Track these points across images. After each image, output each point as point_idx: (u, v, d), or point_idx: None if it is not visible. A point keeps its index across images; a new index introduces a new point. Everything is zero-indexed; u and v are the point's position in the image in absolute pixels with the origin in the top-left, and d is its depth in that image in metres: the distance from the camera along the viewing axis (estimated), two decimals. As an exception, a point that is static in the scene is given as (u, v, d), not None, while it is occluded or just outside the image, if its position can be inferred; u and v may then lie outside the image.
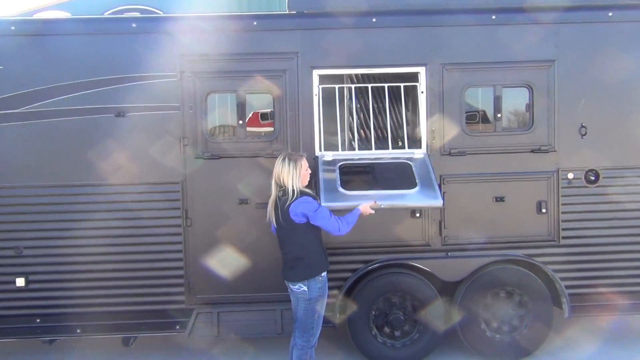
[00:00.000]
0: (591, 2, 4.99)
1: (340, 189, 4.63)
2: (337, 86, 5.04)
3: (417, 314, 5.00)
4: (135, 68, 4.83)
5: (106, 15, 5.30)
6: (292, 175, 4.18)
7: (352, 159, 4.92)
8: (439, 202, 4.61)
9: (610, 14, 4.97)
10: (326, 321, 4.57)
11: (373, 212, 4.39)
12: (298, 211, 4.13)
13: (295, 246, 4.20)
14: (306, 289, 4.18)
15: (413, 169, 4.77)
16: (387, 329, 5.04)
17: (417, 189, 4.65)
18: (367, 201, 4.40)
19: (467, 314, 5.00)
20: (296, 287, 4.23)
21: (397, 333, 5.03)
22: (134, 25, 4.84)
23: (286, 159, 4.24)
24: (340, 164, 4.83)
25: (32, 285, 4.87)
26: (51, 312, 4.90)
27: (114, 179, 4.85)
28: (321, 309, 4.26)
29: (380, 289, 4.97)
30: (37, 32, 4.83)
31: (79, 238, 4.86)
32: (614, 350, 5.31)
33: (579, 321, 5.77)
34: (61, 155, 4.84)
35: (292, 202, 4.14)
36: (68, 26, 4.89)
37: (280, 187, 4.24)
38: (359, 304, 4.95)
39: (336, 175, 4.72)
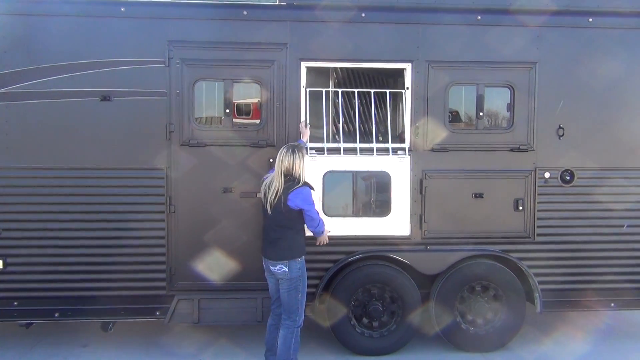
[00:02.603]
0: (573, 8, 5.14)
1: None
2: (324, 90, 5.10)
3: (395, 305, 5.11)
4: (122, 52, 4.81)
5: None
6: (302, 166, 4.33)
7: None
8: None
9: (590, 19, 5.13)
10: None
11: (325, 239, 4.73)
12: (297, 200, 4.27)
13: (281, 228, 4.34)
14: (287, 270, 4.33)
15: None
16: (365, 320, 5.13)
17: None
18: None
19: (443, 306, 5.12)
20: (277, 267, 4.35)
21: (375, 323, 5.13)
22: (122, 9, 4.82)
23: (295, 151, 4.34)
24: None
25: (10, 268, 4.82)
26: (29, 296, 4.86)
27: (98, 162, 4.83)
28: (303, 288, 4.43)
29: (360, 280, 5.05)
30: (25, 12, 4.77)
31: (60, 222, 4.84)
32: (584, 346, 5.49)
33: (557, 317, 5.96)
34: (44, 137, 4.80)
35: (295, 189, 4.27)
36: (56, 7, 4.81)
37: (287, 176, 4.31)
38: (339, 295, 5.03)
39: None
